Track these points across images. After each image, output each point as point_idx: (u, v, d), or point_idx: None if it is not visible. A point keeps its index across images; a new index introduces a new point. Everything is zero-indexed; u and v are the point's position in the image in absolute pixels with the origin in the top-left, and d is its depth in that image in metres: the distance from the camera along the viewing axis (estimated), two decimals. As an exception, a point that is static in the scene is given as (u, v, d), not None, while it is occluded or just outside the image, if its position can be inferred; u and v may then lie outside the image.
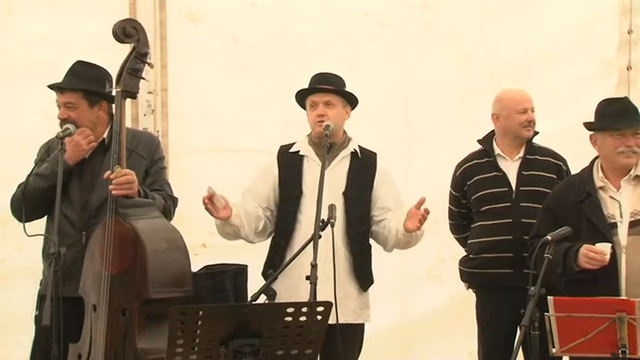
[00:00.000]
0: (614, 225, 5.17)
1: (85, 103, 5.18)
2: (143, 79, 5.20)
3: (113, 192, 4.93)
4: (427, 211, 5.22)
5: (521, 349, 4.85)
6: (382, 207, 5.45)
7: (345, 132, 5.50)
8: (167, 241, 4.99)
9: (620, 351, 4.64)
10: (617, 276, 5.10)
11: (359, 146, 5.51)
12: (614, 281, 5.08)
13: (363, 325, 5.48)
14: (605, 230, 5.14)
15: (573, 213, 5.23)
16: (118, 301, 4.84)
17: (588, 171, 5.35)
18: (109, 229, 4.90)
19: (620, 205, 5.19)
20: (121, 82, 5.09)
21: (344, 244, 5.34)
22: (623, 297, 4.96)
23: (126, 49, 6.28)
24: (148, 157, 5.26)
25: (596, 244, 5.07)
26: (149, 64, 5.20)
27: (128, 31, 5.14)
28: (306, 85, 5.50)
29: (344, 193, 5.37)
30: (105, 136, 5.22)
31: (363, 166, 5.47)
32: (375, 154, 5.55)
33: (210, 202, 5.22)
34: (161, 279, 4.86)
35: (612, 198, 5.22)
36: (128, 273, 4.85)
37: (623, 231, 5.16)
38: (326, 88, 5.42)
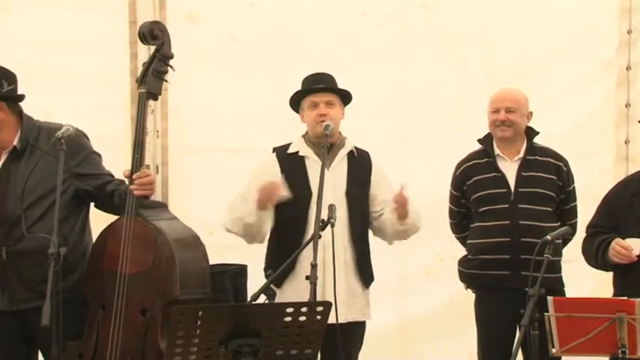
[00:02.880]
0: None
1: None
2: (166, 81, 5.18)
3: (135, 192, 4.89)
4: (402, 194, 5.25)
5: (520, 349, 4.85)
6: (382, 201, 5.47)
7: (340, 132, 5.51)
8: (189, 243, 5.00)
9: (619, 351, 4.64)
10: None
11: (354, 146, 5.53)
12: None
13: (364, 322, 5.52)
14: None
15: (626, 206, 5.25)
16: (136, 300, 4.83)
17: None
18: (128, 228, 4.88)
19: None
20: (145, 83, 5.06)
21: (349, 244, 5.36)
22: None
23: (125, 49, 6.33)
24: (68, 160, 4.84)
25: (627, 239, 5.08)
26: (171, 67, 5.18)
27: (155, 33, 5.11)
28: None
29: (346, 193, 5.38)
30: (15, 142, 4.96)
31: (360, 165, 5.50)
32: (368, 153, 5.58)
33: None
34: (187, 280, 4.86)
35: None
36: (149, 273, 4.84)
37: None
38: (328, 88, 5.43)
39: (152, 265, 4.85)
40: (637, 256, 5.09)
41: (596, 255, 5.20)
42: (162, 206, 5.27)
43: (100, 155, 5.15)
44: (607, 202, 5.43)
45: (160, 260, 4.85)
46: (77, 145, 4.99)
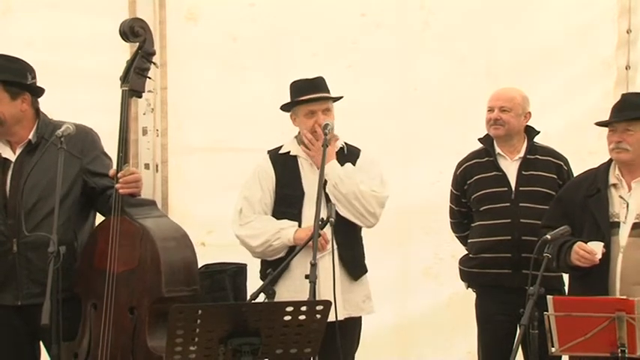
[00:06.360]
0: (617, 224, 5.14)
1: (6, 96, 4.98)
2: (149, 78, 5.20)
3: (120, 190, 4.91)
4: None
5: (520, 348, 4.85)
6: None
7: None
8: (176, 240, 5.02)
9: (619, 350, 4.64)
10: (609, 275, 5.08)
11: (345, 143, 5.53)
12: (605, 280, 5.07)
13: (360, 318, 5.52)
14: (605, 228, 5.13)
15: (581, 207, 5.23)
16: (125, 299, 4.85)
17: (605, 166, 5.32)
18: (115, 227, 4.89)
19: (627, 206, 5.16)
20: (128, 80, 5.08)
21: (332, 238, 5.32)
22: (617, 296, 4.95)
23: (125, 49, 6.32)
24: (81, 156, 5.05)
25: (589, 243, 5.07)
26: (154, 63, 5.19)
27: (136, 30, 5.13)
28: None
29: (324, 186, 5.34)
30: (31, 136, 5.04)
31: (348, 161, 5.48)
32: (360, 149, 5.57)
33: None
34: (173, 278, 4.88)
35: (621, 197, 5.19)
36: (136, 271, 4.86)
37: (624, 231, 5.13)
38: (326, 97, 5.44)
39: (138, 263, 4.87)
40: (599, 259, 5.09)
41: (557, 258, 5.17)
42: (151, 204, 5.28)
43: (110, 159, 5.20)
44: (560, 202, 5.42)
45: (145, 258, 4.87)
46: (92, 143, 5.12)
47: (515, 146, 5.86)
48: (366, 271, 5.53)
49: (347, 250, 5.42)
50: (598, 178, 5.28)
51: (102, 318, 4.86)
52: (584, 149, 6.70)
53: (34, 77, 5.07)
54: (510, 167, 5.82)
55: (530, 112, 5.90)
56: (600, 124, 5.38)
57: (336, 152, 5.47)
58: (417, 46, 6.98)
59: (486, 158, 5.88)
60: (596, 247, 5.05)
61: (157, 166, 6.56)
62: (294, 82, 5.53)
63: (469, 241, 5.94)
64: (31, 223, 4.87)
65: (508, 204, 5.76)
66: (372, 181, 5.45)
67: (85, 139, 5.07)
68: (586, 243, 5.09)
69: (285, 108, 5.55)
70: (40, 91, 5.11)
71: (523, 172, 5.79)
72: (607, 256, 5.08)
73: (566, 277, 5.73)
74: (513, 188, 5.77)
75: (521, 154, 5.83)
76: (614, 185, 5.24)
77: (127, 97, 5.08)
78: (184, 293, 4.92)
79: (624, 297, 4.78)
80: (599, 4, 7.04)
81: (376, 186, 5.45)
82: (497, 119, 5.81)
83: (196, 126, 6.70)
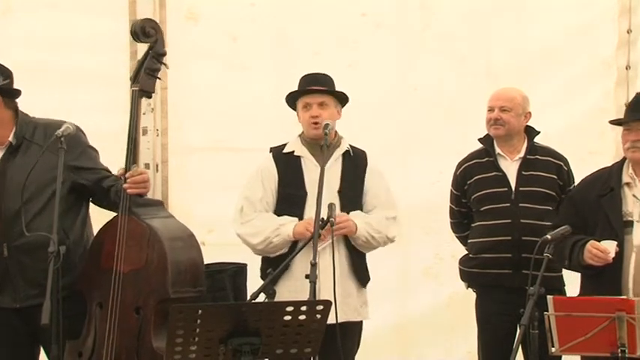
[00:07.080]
0: (630, 223, 5.13)
1: None
2: (159, 78, 5.19)
3: (128, 190, 4.89)
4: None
5: (520, 348, 4.85)
6: (369, 202, 5.49)
7: (336, 131, 5.51)
8: (183, 241, 5.02)
9: (619, 350, 4.63)
10: (622, 275, 5.07)
11: (350, 145, 5.53)
12: (619, 279, 5.06)
13: (361, 322, 5.51)
14: (618, 227, 5.11)
15: (594, 206, 5.23)
16: (131, 299, 4.85)
17: (619, 165, 5.31)
18: (122, 227, 4.89)
19: None
20: (138, 80, 5.07)
21: (343, 244, 5.37)
22: (630, 296, 4.94)
23: (125, 49, 6.34)
24: (65, 154, 4.84)
25: (602, 242, 5.06)
26: (165, 64, 5.18)
27: (147, 30, 5.11)
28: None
29: (339, 192, 5.39)
30: (11, 138, 4.97)
31: (355, 164, 5.50)
32: (365, 152, 5.58)
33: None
34: (179, 278, 4.88)
35: (635, 196, 5.18)
36: (142, 271, 4.86)
37: (638, 230, 5.11)
38: (320, 89, 5.44)
39: (145, 263, 4.87)
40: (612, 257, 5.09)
41: (569, 257, 5.17)
42: (158, 204, 5.29)
43: (96, 150, 5.17)
44: (572, 202, 5.42)
45: (152, 259, 4.86)
46: (74, 139, 4.97)
47: (515, 146, 5.86)
48: (370, 279, 5.55)
49: (358, 258, 5.46)
50: (611, 177, 5.27)
51: (107, 317, 4.86)
52: (584, 149, 6.71)
53: (6, 78, 4.96)
54: (510, 167, 5.82)
55: (530, 112, 5.89)
56: (615, 122, 5.38)
57: (342, 155, 5.48)
58: (417, 46, 6.99)
59: (486, 158, 5.88)
60: (610, 246, 5.04)
61: (157, 166, 6.57)
62: (302, 76, 5.55)
63: (469, 241, 5.94)
64: (20, 226, 4.78)
65: (508, 204, 5.75)
66: (385, 204, 5.50)
67: (67, 136, 4.84)
68: (599, 242, 5.09)
69: (289, 105, 5.55)
70: (15, 93, 5.01)
71: (523, 173, 5.79)
72: (620, 256, 5.06)
73: (566, 277, 5.74)
74: (513, 188, 5.77)
75: (522, 155, 5.83)
76: (628, 184, 5.22)
77: (137, 97, 5.07)
78: (190, 294, 4.92)
79: (624, 297, 4.78)
80: (599, 4, 7.04)
81: (391, 209, 5.52)
82: (497, 119, 5.81)
83: (196, 126, 6.71)
